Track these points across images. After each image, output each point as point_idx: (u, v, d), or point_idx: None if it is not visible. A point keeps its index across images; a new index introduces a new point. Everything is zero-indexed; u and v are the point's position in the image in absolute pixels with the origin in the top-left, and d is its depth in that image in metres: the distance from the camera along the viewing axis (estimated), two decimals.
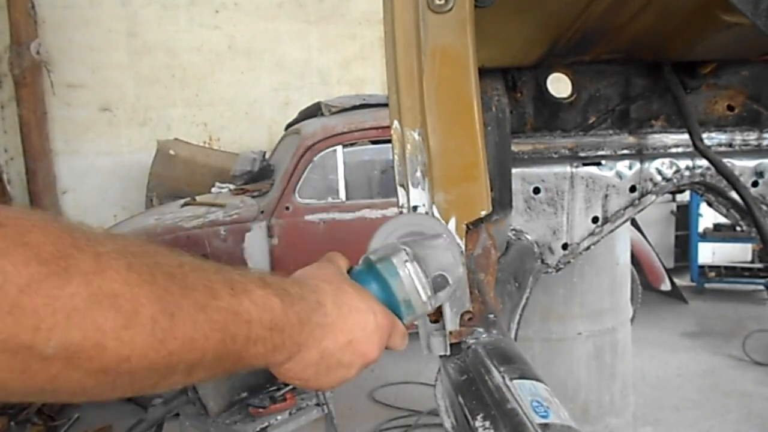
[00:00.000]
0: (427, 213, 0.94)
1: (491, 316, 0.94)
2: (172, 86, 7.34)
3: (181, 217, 4.56)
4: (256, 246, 4.47)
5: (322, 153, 4.63)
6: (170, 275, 0.49)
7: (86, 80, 7.01)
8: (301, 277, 0.68)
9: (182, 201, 4.98)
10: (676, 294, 6.24)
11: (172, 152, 6.32)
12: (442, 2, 0.89)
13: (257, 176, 5.04)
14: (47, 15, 6.81)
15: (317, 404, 3.00)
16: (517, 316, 1.16)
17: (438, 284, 0.75)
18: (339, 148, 4.66)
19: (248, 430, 2.73)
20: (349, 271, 0.75)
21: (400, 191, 0.95)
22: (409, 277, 0.72)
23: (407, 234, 0.82)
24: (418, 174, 0.93)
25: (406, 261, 0.73)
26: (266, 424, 2.78)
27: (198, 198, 5.00)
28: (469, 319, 0.90)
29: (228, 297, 0.53)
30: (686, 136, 1.31)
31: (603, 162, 1.39)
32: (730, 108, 1.42)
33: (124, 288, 0.45)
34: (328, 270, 0.71)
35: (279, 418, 2.83)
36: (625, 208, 1.41)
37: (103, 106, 7.11)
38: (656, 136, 1.41)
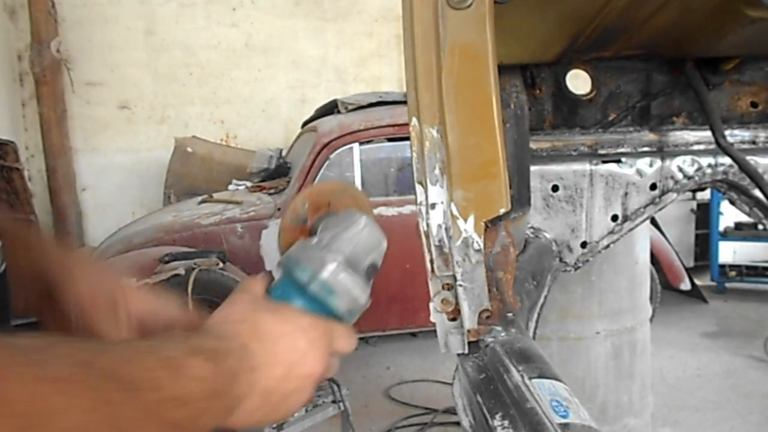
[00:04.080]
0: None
1: (510, 314, 0.93)
2: (190, 84, 7.40)
3: (199, 214, 4.59)
4: (272, 243, 4.49)
5: (338, 150, 4.63)
6: (108, 377, 0.45)
7: (105, 78, 7.09)
8: (216, 325, 0.64)
9: (199, 198, 5.01)
10: (696, 293, 6.16)
11: (189, 150, 6.37)
12: None
13: (274, 173, 5.06)
14: (67, 14, 6.89)
15: (333, 401, 3.00)
16: (536, 315, 1.15)
17: (371, 274, 0.71)
18: (355, 145, 4.66)
19: (264, 427, 2.74)
20: (270, 289, 0.70)
21: (419, 189, 0.95)
22: (346, 290, 0.68)
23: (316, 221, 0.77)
24: (437, 171, 0.93)
25: (339, 274, 0.67)
26: (282, 420, 2.80)
27: (215, 195, 5.03)
28: (488, 317, 0.90)
29: (168, 382, 0.49)
30: (708, 133, 1.29)
31: (623, 159, 1.37)
32: (754, 104, 1.39)
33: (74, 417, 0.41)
34: (239, 304, 0.67)
35: (295, 414, 2.84)
36: (646, 206, 1.39)
37: (122, 103, 7.18)
38: (678, 133, 1.39)
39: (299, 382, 0.63)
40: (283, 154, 5.39)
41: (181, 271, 4.01)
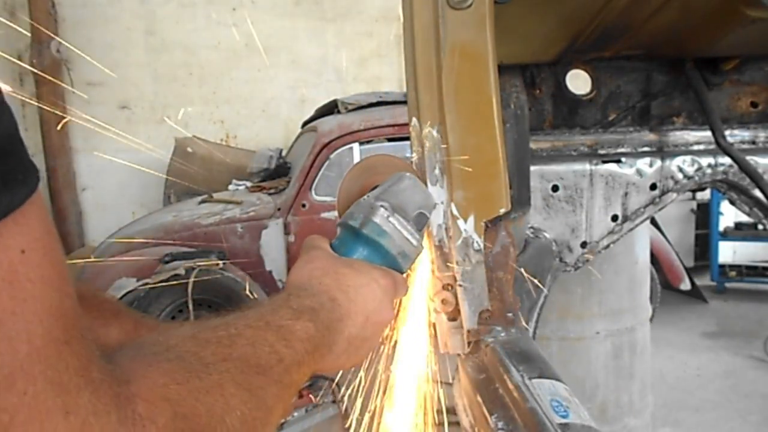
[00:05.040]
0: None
1: (510, 314, 0.93)
2: (190, 84, 7.39)
3: (199, 214, 4.59)
4: (272, 243, 4.49)
5: (338, 150, 4.63)
6: (245, 366, 0.55)
7: (105, 78, 7.08)
8: (303, 280, 0.70)
9: (199, 198, 5.01)
10: (695, 293, 6.16)
11: (189, 150, 6.36)
12: None
13: (274, 173, 5.05)
14: (67, 14, 6.89)
15: (333, 401, 3.00)
16: (536, 315, 1.15)
17: (420, 223, 0.78)
18: (355, 145, 4.65)
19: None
20: (333, 245, 0.77)
21: None
22: (396, 230, 0.74)
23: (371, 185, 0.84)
24: (437, 171, 0.93)
25: (388, 216, 0.74)
26: (282, 420, 2.79)
27: (215, 195, 5.03)
28: (488, 317, 0.90)
29: (287, 351, 0.58)
30: (708, 133, 1.29)
31: (623, 159, 1.37)
32: (754, 104, 1.39)
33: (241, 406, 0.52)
34: (320, 260, 0.73)
35: (295, 414, 2.84)
36: (646, 206, 1.39)
37: (122, 103, 7.18)
38: (678, 133, 1.39)
39: (375, 328, 0.72)
40: (283, 154, 5.39)
41: (181, 271, 4.01)
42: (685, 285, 5.65)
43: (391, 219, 0.74)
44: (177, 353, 0.51)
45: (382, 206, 0.74)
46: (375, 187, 0.82)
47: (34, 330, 0.38)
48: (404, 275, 0.78)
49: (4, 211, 0.38)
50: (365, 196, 0.78)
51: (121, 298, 4.06)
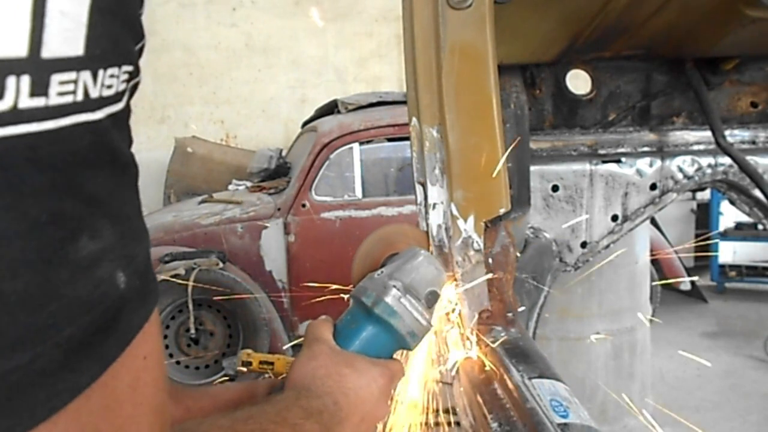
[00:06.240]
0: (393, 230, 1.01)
1: (510, 314, 0.93)
2: (190, 84, 7.39)
3: (199, 214, 4.59)
4: (272, 243, 4.49)
5: (338, 150, 4.63)
6: None
7: None
8: (307, 380, 0.74)
9: (199, 198, 5.01)
10: (695, 293, 6.16)
11: (189, 150, 6.36)
12: None
13: (274, 174, 5.05)
14: None
15: None
16: (536, 315, 1.15)
17: (431, 301, 0.79)
18: (355, 145, 4.65)
19: None
20: (344, 320, 0.79)
21: (419, 189, 0.95)
22: (407, 311, 0.76)
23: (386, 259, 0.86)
24: (437, 171, 0.93)
25: (400, 297, 0.76)
26: None
27: (215, 195, 5.03)
28: (488, 317, 0.90)
29: None
30: (708, 133, 1.29)
31: (623, 159, 1.37)
32: (754, 104, 1.39)
33: None
34: (322, 358, 0.76)
35: None
36: (646, 206, 1.39)
37: None
38: (677, 133, 1.39)
39: (368, 425, 0.77)
40: (283, 154, 5.38)
41: (181, 271, 4.01)
42: (685, 285, 5.65)
43: (402, 300, 0.76)
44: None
45: (394, 286, 0.76)
46: (391, 256, 0.85)
47: (144, 430, 0.41)
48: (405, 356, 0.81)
49: (139, 325, 0.39)
50: (379, 271, 0.80)
51: None
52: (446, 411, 0.97)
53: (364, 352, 0.76)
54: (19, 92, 0.31)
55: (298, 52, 7.68)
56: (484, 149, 0.91)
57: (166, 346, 4.21)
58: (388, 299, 0.75)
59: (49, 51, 0.32)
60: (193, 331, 4.13)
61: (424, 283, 0.79)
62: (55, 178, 0.33)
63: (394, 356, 0.80)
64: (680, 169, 1.38)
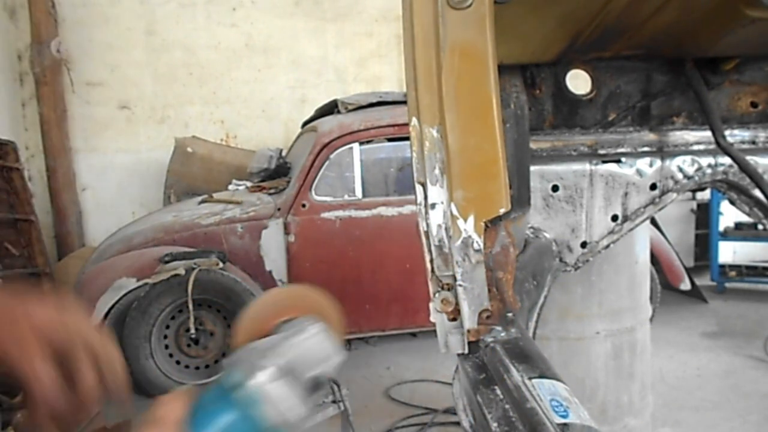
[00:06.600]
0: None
1: (510, 314, 0.93)
2: (190, 84, 7.39)
3: (199, 214, 4.59)
4: (272, 243, 4.49)
5: (338, 150, 4.63)
6: None
7: (105, 78, 7.09)
8: None
9: (199, 198, 5.01)
10: (696, 293, 6.16)
11: (189, 150, 6.36)
12: None
13: (274, 173, 5.06)
14: (67, 14, 6.89)
15: (333, 401, 3.00)
16: (536, 315, 1.15)
17: (315, 386, 0.68)
18: (355, 145, 4.66)
19: None
20: (201, 402, 0.64)
21: (419, 189, 0.95)
22: (276, 401, 0.62)
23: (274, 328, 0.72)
24: (437, 171, 0.93)
25: (272, 381, 0.63)
26: None
27: (215, 195, 5.03)
28: (488, 317, 0.90)
29: None
30: (708, 133, 1.29)
31: (623, 159, 1.37)
32: (754, 104, 1.39)
33: None
34: None
35: None
36: (646, 206, 1.40)
37: (122, 103, 7.18)
38: (678, 133, 1.39)
39: None
40: (283, 154, 5.39)
41: (181, 271, 4.02)
42: (685, 285, 5.65)
43: (272, 385, 0.62)
44: None
45: (269, 365, 0.63)
46: (287, 321, 0.72)
47: None
48: None
49: None
50: (257, 343, 0.67)
51: (121, 298, 4.07)
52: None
53: None
54: None
55: (298, 52, 7.68)
56: (484, 149, 0.91)
57: (166, 346, 4.21)
58: (256, 381, 0.62)
59: None
60: (193, 331, 4.13)
61: (310, 362, 0.66)
62: None
63: None
64: (680, 169, 1.38)
